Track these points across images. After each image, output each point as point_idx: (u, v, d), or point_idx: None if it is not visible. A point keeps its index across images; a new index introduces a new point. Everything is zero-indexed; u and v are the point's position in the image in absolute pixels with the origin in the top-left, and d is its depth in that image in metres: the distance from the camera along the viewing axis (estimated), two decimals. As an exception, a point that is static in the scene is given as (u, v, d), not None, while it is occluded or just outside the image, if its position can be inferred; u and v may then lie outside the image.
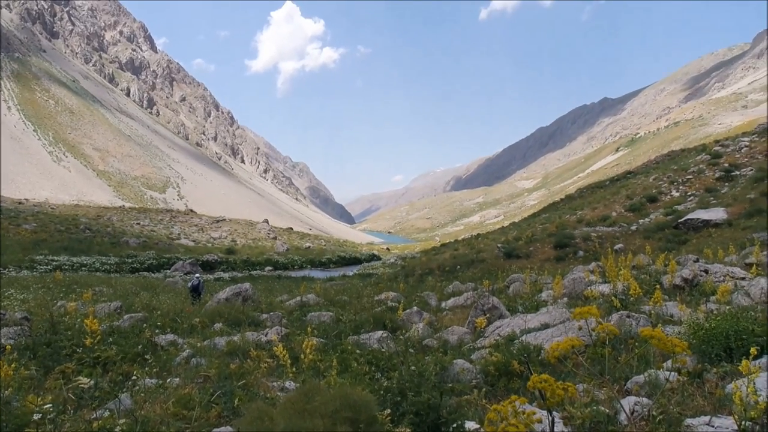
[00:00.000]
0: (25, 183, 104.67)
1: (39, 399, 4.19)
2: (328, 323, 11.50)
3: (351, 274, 40.32)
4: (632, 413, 3.86)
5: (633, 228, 28.52)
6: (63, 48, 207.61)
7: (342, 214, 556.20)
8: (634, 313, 7.41)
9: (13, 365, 5.25)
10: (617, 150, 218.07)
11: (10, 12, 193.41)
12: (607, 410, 3.86)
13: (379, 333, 9.41)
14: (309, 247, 66.76)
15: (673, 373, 4.51)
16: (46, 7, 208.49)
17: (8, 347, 6.27)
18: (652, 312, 7.69)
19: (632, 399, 4.13)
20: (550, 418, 2.45)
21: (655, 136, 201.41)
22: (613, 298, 8.76)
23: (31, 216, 53.96)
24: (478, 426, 4.24)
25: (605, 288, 10.98)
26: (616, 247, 23.46)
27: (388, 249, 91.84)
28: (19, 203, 67.88)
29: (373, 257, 65.78)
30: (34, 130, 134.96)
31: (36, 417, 3.71)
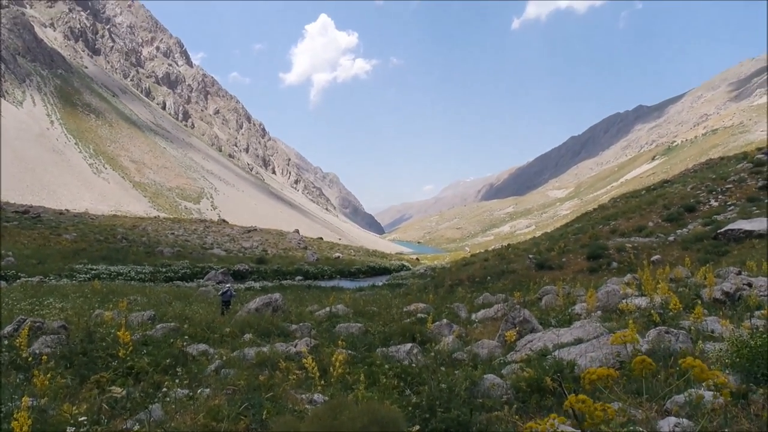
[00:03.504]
0: (66, 194, 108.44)
1: (74, 408, 4.28)
2: (357, 335, 11.45)
3: (380, 284, 40.25)
4: (672, 435, 3.70)
5: (670, 239, 27.69)
6: (104, 64, 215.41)
7: (371, 224, 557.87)
8: (673, 329, 7.15)
9: (49, 374, 5.38)
10: (653, 159, 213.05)
11: (54, 31, 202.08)
12: (646, 431, 3.69)
13: (408, 345, 9.32)
14: (339, 257, 67.05)
15: (716, 393, 4.30)
16: (88, 25, 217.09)
17: (44, 357, 6.43)
18: (692, 327, 7.40)
19: (672, 420, 3.95)
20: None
21: (693, 144, 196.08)
22: (651, 312, 8.47)
23: (71, 226, 55.82)
24: (509, 444, 4.13)
25: (642, 301, 10.64)
26: (653, 258, 22.78)
27: (417, 259, 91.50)
28: (60, 213, 70.31)
29: (402, 267, 65.55)
30: (75, 144, 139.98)
31: (70, 430, 3.77)
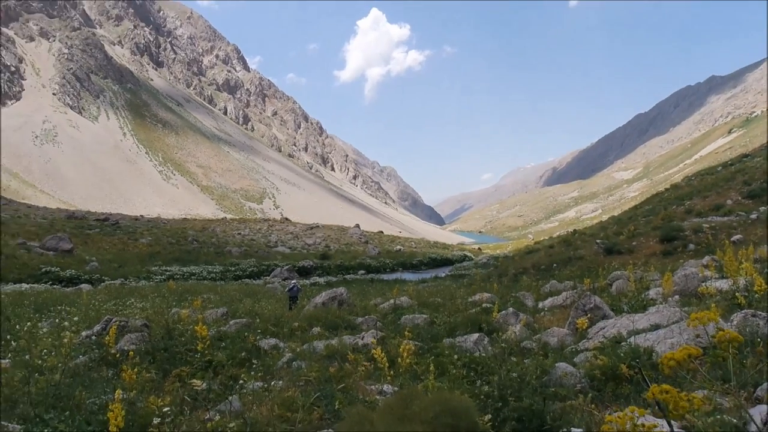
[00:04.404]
0: (141, 201, 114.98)
1: (159, 400, 4.54)
2: (422, 326, 11.47)
3: (443, 275, 40.09)
4: (765, 423, 3.47)
5: (752, 216, 25.86)
6: (167, 75, 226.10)
7: (431, 215, 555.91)
8: (760, 312, 6.68)
9: (135, 369, 5.75)
10: (730, 132, 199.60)
11: (122, 48, 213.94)
12: (735, 419, 3.49)
13: (475, 335, 9.24)
14: (399, 249, 67.30)
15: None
16: (152, 39, 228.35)
17: (131, 353, 6.87)
18: (782, 310, 6.88)
19: (764, 408, 3.70)
20: (671, 430, 2.25)
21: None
22: (736, 294, 7.95)
23: (146, 231, 59.11)
24: (585, 433, 4.01)
25: (723, 284, 10.01)
26: (734, 238, 21.34)
27: (479, 249, 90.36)
28: (136, 219, 74.60)
29: (464, 258, 64.93)
30: (146, 153, 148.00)
31: (156, 420, 4.02)
